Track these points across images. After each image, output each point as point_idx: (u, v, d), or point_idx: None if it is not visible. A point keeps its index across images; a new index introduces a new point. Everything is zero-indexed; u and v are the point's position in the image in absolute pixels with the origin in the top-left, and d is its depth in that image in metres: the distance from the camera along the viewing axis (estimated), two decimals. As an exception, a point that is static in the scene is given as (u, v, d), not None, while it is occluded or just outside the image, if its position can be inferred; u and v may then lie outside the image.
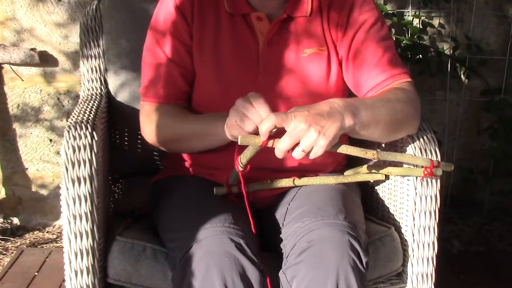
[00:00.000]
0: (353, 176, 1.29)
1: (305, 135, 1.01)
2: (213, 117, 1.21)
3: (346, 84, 1.31)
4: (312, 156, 1.03)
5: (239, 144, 1.05)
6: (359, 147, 1.10)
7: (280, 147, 1.03)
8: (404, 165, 1.25)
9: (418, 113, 1.23)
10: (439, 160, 1.20)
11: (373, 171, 1.26)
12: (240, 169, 1.13)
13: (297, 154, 1.03)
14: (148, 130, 1.30)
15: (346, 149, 1.08)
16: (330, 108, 1.05)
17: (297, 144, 1.03)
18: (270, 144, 1.05)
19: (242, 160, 1.11)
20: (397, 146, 1.30)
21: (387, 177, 1.32)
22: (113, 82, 1.56)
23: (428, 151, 1.22)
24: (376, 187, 1.41)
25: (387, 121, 1.15)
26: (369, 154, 1.10)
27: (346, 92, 1.34)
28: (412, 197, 1.24)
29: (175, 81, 1.29)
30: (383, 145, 1.35)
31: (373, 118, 1.12)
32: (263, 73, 1.26)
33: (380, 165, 1.27)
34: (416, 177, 1.22)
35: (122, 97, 1.55)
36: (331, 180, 1.26)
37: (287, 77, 1.26)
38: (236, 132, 1.09)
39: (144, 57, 1.32)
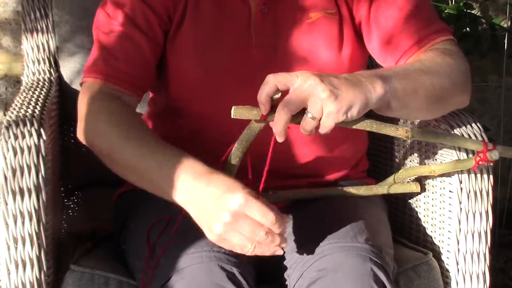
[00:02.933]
0: (379, 187, 1.31)
1: (313, 92, 0.99)
2: (172, 168, 1.06)
3: (364, 57, 1.33)
4: (322, 129, 1.02)
5: (232, 117, 1.02)
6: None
7: (283, 108, 0.99)
8: (443, 158, 1.25)
9: (468, 78, 1.23)
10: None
11: (410, 172, 1.26)
12: (234, 162, 1.09)
13: (306, 123, 1.01)
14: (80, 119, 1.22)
15: (370, 125, 1.05)
16: (349, 75, 1.05)
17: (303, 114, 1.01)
18: (271, 118, 1.01)
19: (236, 151, 1.09)
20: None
21: (422, 188, 1.34)
22: (67, 64, 1.57)
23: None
24: (408, 201, 1.43)
25: (429, 88, 1.14)
26: (400, 131, 1.07)
27: (364, 68, 1.35)
28: (456, 214, 1.25)
29: (143, 58, 1.25)
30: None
31: (408, 85, 1.10)
32: (257, 46, 1.27)
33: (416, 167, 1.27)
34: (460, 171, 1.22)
35: (78, 84, 1.55)
36: (351, 191, 1.28)
37: (288, 50, 1.28)
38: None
39: (97, 33, 1.28)
